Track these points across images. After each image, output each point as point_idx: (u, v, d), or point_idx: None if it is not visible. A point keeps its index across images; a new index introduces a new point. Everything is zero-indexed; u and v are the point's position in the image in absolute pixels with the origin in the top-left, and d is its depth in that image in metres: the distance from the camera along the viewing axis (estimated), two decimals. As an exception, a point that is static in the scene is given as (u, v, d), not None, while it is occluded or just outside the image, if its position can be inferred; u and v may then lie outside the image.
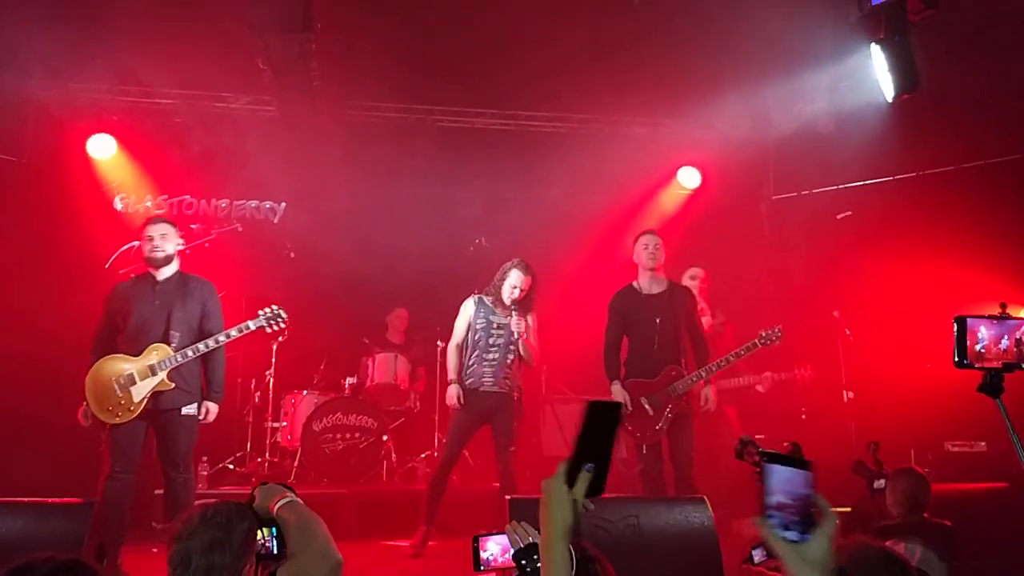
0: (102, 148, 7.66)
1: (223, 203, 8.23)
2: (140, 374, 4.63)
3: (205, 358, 4.84)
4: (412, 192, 7.87)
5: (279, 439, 7.15)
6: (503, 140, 8.20)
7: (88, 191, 7.71)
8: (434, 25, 6.60)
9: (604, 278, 7.76)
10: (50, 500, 3.60)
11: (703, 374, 5.42)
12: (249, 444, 7.11)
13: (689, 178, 8.50)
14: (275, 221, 8.29)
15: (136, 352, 4.69)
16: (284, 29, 5.71)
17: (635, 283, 5.67)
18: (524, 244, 7.64)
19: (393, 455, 7.05)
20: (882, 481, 4.25)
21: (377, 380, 7.23)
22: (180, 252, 5.03)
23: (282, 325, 4.97)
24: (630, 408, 5.41)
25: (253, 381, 7.35)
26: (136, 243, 7.75)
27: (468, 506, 5.97)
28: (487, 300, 5.55)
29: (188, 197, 8.15)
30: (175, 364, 4.67)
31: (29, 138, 7.48)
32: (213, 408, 4.90)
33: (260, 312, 4.93)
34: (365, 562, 5.17)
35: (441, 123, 8.20)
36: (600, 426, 1.42)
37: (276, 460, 7.10)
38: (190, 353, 4.70)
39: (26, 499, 3.53)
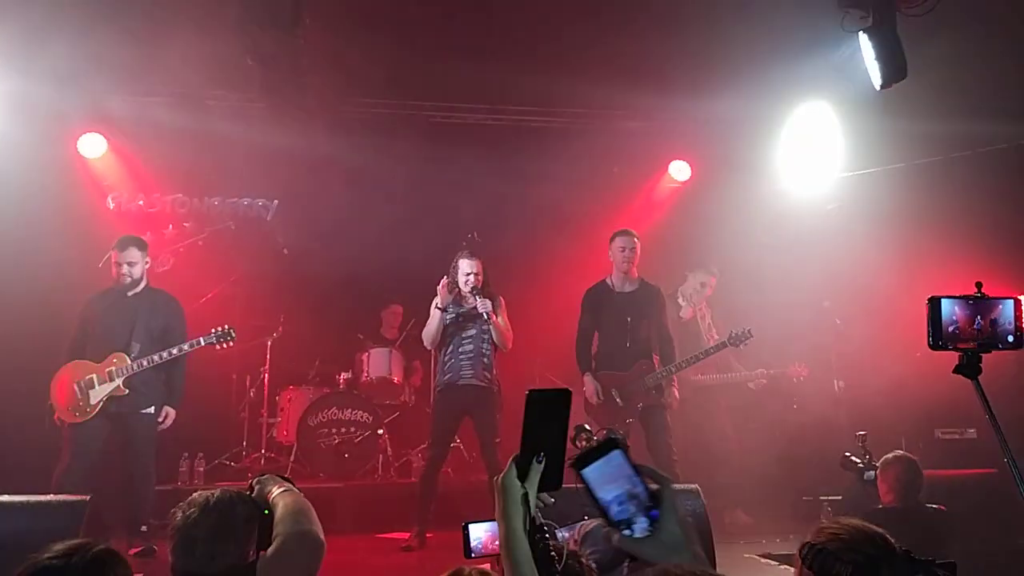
0: (93, 147, 7.64)
1: (215, 201, 8.23)
2: (99, 379, 5.10)
3: (166, 367, 5.26)
4: (404, 187, 7.89)
5: (275, 435, 7.19)
6: (495, 135, 8.21)
7: (80, 190, 7.70)
8: (424, 21, 6.60)
9: (596, 272, 7.79)
10: (44, 497, 3.63)
11: (673, 369, 5.67)
12: (245, 440, 7.15)
13: (680, 171, 8.52)
14: (268, 218, 8.29)
15: (99, 359, 5.16)
16: (272, 25, 5.71)
17: (608, 279, 5.89)
18: (516, 239, 7.69)
19: (388, 449, 7.08)
20: (872, 472, 4.29)
21: (372, 375, 7.26)
22: (149, 269, 5.49)
23: (231, 343, 5.42)
24: (601, 398, 5.60)
25: (248, 377, 7.38)
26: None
27: (462, 497, 6.02)
28: (450, 296, 5.59)
29: (180, 195, 8.14)
30: (131, 372, 5.13)
31: (20, 138, 7.44)
32: (172, 413, 5.36)
33: (212, 330, 5.36)
34: (361, 555, 5.21)
35: (433, 119, 8.20)
36: (547, 415, 1.35)
37: (272, 455, 7.13)
38: (145, 363, 5.14)
39: (20, 496, 3.56)
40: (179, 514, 2.06)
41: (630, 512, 1.26)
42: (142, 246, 5.41)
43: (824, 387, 6.95)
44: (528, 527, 1.32)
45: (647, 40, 6.59)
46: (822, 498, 6.16)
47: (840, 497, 6.05)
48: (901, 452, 4.15)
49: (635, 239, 5.81)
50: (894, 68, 5.68)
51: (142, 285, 5.37)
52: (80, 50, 6.53)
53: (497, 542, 2.42)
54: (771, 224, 8.32)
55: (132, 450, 5.21)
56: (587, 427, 3.03)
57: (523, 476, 1.33)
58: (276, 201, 8.30)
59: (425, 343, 5.72)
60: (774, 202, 8.37)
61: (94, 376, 5.10)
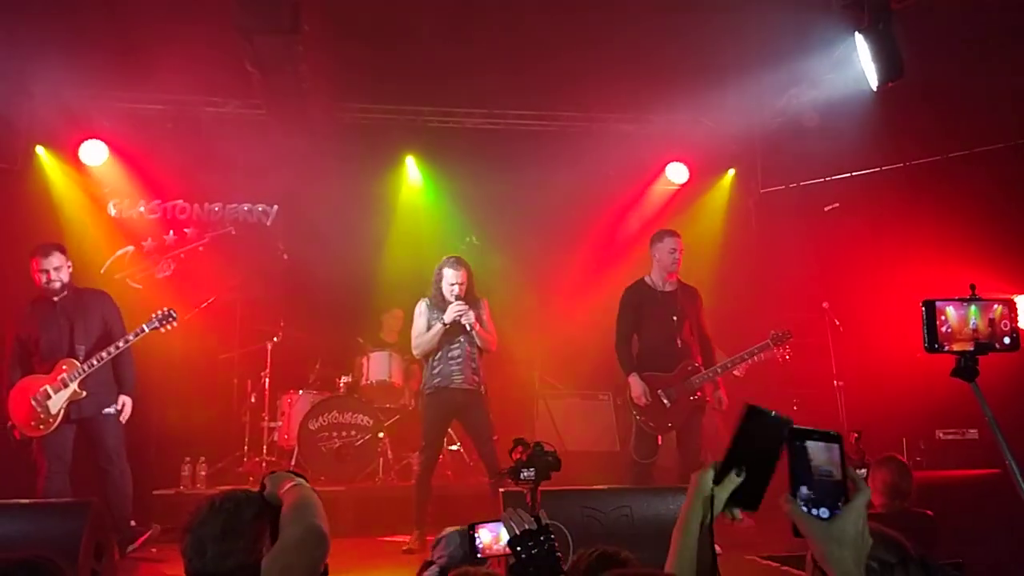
0: (94, 154, 7.67)
1: (216, 207, 8.25)
2: (53, 388, 5.14)
3: (114, 361, 5.30)
4: (402, 192, 7.91)
5: (276, 438, 7.20)
6: (492, 140, 8.23)
7: (81, 198, 7.73)
8: (422, 26, 6.63)
9: (594, 274, 7.83)
10: (49, 500, 3.65)
11: (719, 370, 5.61)
12: (246, 444, 7.15)
13: (677, 173, 8.55)
14: (268, 224, 8.32)
15: (48, 370, 5.20)
16: (272, 31, 5.72)
17: (648, 278, 5.78)
18: (514, 242, 7.72)
19: (389, 452, 7.09)
20: (863, 471, 4.29)
21: (372, 378, 7.27)
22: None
23: (173, 324, 5.39)
24: (648, 400, 5.53)
25: (249, 382, 7.39)
26: (131, 248, 7.86)
27: (463, 500, 6.04)
28: (433, 302, 5.61)
29: (181, 201, 8.17)
30: (84, 374, 5.16)
31: (21, 146, 7.49)
32: (127, 401, 5.39)
33: (152, 315, 5.35)
34: (362, 558, 5.22)
35: (431, 124, 8.23)
36: (761, 435, 1.33)
37: (273, 459, 7.14)
38: (95, 362, 5.17)
39: (24, 500, 3.58)
40: (188, 516, 2.07)
41: (816, 496, 1.23)
42: (63, 250, 5.43)
43: (824, 388, 6.96)
44: (704, 528, 1.35)
45: (643, 43, 6.61)
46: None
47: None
48: (891, 455, 4.13)
49: (681, 240, 5.75)
50: (890, 67, 5.70)
51: (67, 290, 5.36)
52: (79, 58, 6.57)
53: (500, 544, 2.45)
54: (769, 225, 8.37)
55: (103, 451, 5.23)
56: (523, 439, 3.07)
57: (718, 480, 1.34)
58: (276, 206, 8.33)
59: (416, 353, 5.70)
60: (769, 203, 8.42)
61: (47, 387, 5.14)
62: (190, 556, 2.02)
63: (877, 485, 3.90)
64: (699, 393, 5.57)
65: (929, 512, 3.86)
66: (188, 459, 6.55)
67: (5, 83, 6.78)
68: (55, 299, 5.31)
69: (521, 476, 2.79)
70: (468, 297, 5.54)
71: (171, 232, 8.00)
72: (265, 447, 7.16)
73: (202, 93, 7.65)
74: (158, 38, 6.27)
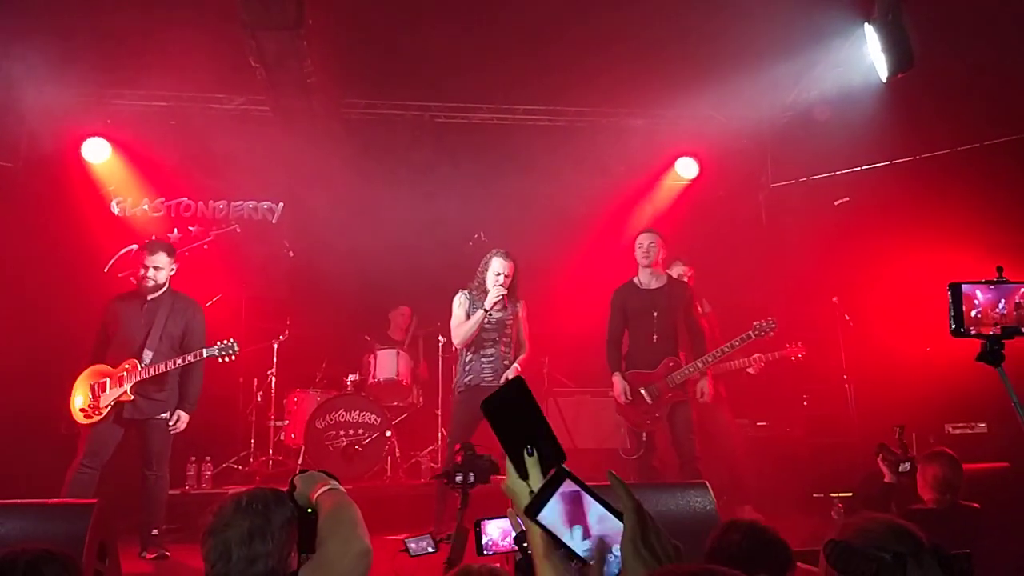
0: (97, 152, 7.65)
1: (221, 204, 8.24)
2: (111, 383, 5.16)
3: (183, 372, 5.33)
4: (409, 188, 7.86)
5: (282, 437, 7.17)
6: (500, 135, 8.20)
7: (84, 195, 7.71)
8: (428, 20, 6.58)
9: (604, 271, 7.75)
10: (52, 501, 3.62)
11: (699, 365, 5.64)
12: (253, 443, 7.13)
13: (687, 168, 8.49)
14: (273, 221, 8.30)
15: (116, 363, 5.21)
16: (276, 27, 5.69)
17: (635, 279, 5.88)
18: (523, 238, 7.64)
19: (397, 451, 7.05)
20: (907, 464, 4.26)
21: (379, 376, 7.24)
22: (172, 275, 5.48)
23: (233, 358, 5.43)
24: (629, 398, 5.63)
25: (255, 380, 7.37)
26: (135, 246, 7.82)
27: (472, 499, 5.98)
28: (474, 294, 5.58)
29: (186, 199, 8.16)
30: (139, 379, 5.15)
31: (24, 144, 7.48)
32: (184, 417, 5.35)
33: (216, 343, 5.36)
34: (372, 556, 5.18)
35: (438, 119, 8.19)
36: (510, 412, 1.33)
37: (280, 459, 7.11)
38: (153, 371, 5.17)
39: (28, 500, 3.55)
40: (211, 519, 1.94)
41: (597, 550, 1.18)
42: (171, 252, 5.45)
43: (834, 383, 6.91)
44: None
45: (652, 37, 6.56)
46: (832, 495, 6.13)
47: (851, 494, 6.02)
48: (941, 449, 4.08)
49: (654, 235, 5.80)
50: (900, 57, 5.64)
51: (163, 290, 5.38)
52: (83, 54, 6.54)
53: (508, 539, 2.42)
54: (778, 219, 8.31)
55: (147, 456, 5.22)
56: (471, 443, 3.08)
57: (523, 474, 1.31)
58: (281, 204, 8.31)
59: (457, 342, 5.63)
60: (779, 198, 8.36)
61: (107, 380, 5.17)
62: (213, 561, 1.90)
63: (928, 480, 3.88)
64: (682, 388, 5.58)
65: (976, 505, 3.82)
66: (193, 458, 6.52)
67: (6, 80, 6.76)
68: (147, 298, 5.33)
69: (456, 480, 2.87)
70: (511, 294, 5.54)
71: (176, 230, 7.96)
72: (272, 446, 7.13)
73: (206, 90, 7.63)
74: (161, 34, 6.24)
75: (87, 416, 5.11)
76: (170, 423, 5.28)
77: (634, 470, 5.64)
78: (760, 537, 2.18)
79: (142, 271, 5.32)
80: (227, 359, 5.40)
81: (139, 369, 5.16)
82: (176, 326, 5.36)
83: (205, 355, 5.29)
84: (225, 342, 5.36)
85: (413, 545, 3.08)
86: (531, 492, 1.27)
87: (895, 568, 1.53)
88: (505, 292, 5.44)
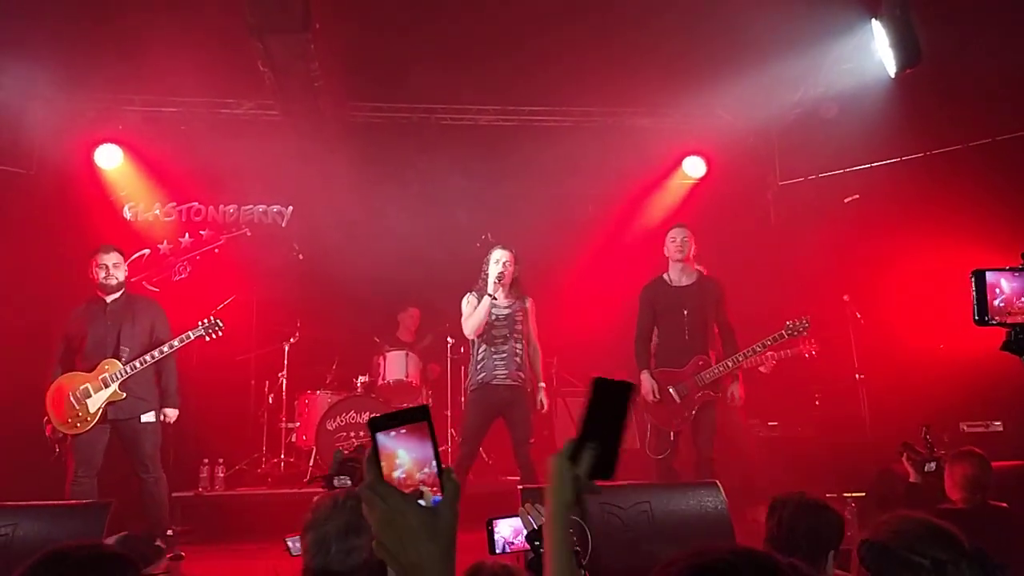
0: (109, 158, 7.71)
1: (231, 209, 8.28)
2: (94, 387, 5.14)
3: (157, 368, 5.34)
4: (417, 190, 7.89)
5: (294, 439, 7.20)
6: (507, 135, 8.20)
7: (96, 201, 7.77)
8: (433, 23, 6.60)
9: (612, 270, 7.77)
10: (68, 502, 3.65)
11: (729, 364, 5.54)
12: (264, 445, 7.16)
13: (694, 167, 8.47)
14: (283, 224, 8.33)
15: (90, 368, 5.20)
16: (283, 30, 5.72)
17: (665, 275, 5.80)
18: (530, 238, 7.64)
19: (407, 452, 7.05)
20: (933, 464, 4.22)
21: (389, 378, 7.26)
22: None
23: (219, 333, 5.40)
24: (657, 396, 5.55)
25: (267, 383, 7.40)
26: (147, 251, 7.90)
27: (484, 499, 5.97)
28: (480, 294, 5.57)
29: (196, 204, 8.20)
30: (125, 376, 5.15)
31: (36, 150, 7.54)
32: (171, 413, 5.40)
33: (199, 322, 5.34)
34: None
35: (444, 120, 8.21)
36: (609, 405, 1.35)
37: (292, 460, 7.14)
38: (138, 364, 5.17)
39: (45, 502, 3.58)
40: (310, 515, 2.09)
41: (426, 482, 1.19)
42: (121, 252, 5.49)
43: (846, 382, 6.87)
44: (572, 508, 1.34)
45: (658, 36, 6.56)
46: (845, 495, 6.10)
47: (864, 493, 5.98)
48: (970, 448, 4.03)
49: (686, 230, 5.75)
50: (908, 53, 5.61)
51: (121, 292, 5.40)
52: (92, 62, 6.59)
53: (520, 538, 2.42)
54: (787, 217, 8.28)
55: (138, 458, 5.21)
56: (339, 450, 3.08)
57: (574, 459, 1.33)
58: (291, 207, 8.34)
59: (468, 333, 5.60)
60: (788, 195, 8.33)
61: (88, 385, 5.14)
62: (313, 553, 2.04)
63: (957, 479, 3.80)
64: (711, 388, 5.51)
65: (1005, 504, 3.78)
66: (206, 461, 6.56)
67: (19, 88, 6.82)
68: (108, 300, 5.34)
69: (335, 483, 2.86)
70: (514, 288, 5.56)
71: (187, 234, 8.03)
72: (283, 448, 7.16)
73: (215, 95, 7.67)
74: (170, 41, 6.28)
75: (76, 425, 5.10)
76: (160, 421, 5.31)
77: (656, 470, 5.57)
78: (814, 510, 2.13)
79: (101, 272, 5.31)
80: (213, 336, 5.38)
81: (120, 366, 5.16)
82: (143, 323, 5.38)
83: (192, 336, 5.29)
84: (208, 320, 5.37)
85: (291, 544, 3.06)
86: (574, 476, 1.31)
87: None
88: (504, 271, 5.42)
